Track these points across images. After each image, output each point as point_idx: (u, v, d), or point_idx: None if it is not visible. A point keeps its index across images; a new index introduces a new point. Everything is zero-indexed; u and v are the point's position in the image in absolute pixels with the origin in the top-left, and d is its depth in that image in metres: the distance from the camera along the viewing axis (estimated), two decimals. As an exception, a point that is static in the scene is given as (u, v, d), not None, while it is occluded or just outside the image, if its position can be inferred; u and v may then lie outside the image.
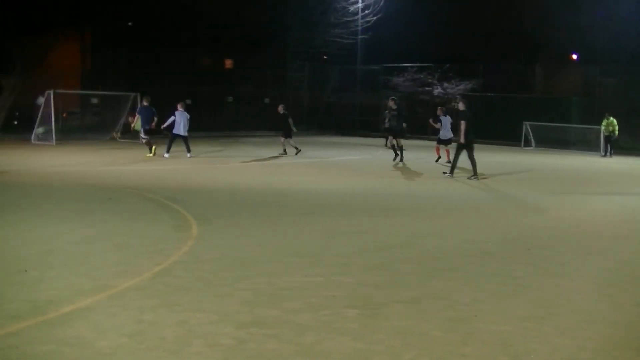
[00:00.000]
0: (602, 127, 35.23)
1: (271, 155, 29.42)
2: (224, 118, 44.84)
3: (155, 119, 27.33)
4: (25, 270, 9.43)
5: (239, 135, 41.88)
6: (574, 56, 54.91)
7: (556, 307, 8.49)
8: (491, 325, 7.70)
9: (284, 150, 30.55)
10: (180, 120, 27.07)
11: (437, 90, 47.86)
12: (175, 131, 27.10)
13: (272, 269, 9.95)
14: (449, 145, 27.28)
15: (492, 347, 7.04)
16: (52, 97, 32.67)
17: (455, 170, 22.35)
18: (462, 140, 21.62)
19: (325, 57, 52.56)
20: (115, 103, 37.49)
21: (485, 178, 21.92)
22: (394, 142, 27.67)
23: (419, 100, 46.82)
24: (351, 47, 49.27)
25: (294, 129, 30.71)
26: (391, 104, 28.03)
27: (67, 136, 34.36)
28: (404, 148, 27.76)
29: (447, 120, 27.46)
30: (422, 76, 48.94)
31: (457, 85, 47.46)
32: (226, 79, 48.12)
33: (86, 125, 39.36)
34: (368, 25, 48.52)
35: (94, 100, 40.22)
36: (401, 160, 27.37)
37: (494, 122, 39.42)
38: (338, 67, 51.43)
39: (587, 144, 37.66)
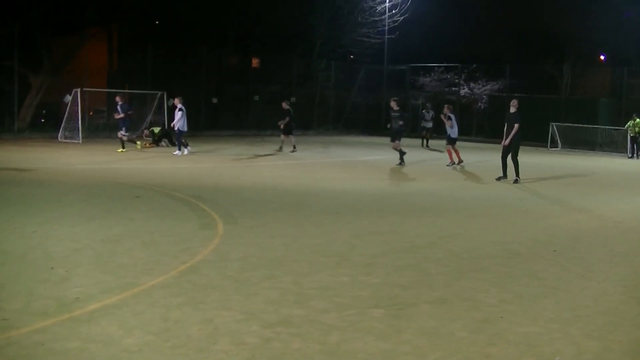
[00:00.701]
0: (628, 129, 35.01)
1: (295, 155, 29.45)
2: (250, 117, 44.94)
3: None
4: (52, 268, 9.49)
5: (265, 135, 41.90)
6: (602, 57, 54.58)
7: (583, 309, 8.44)
8: (517, 327, 7.67)
9: (293, 147, 31.05)
10: (183, 116, 27.35)
11: (464, 91, 47.79)
12: (181, 128, 27.28)
13: (299, 268, 9.96)
14: (456, 145, 26.90)
15: (517, 348, 7.01)
16: (79, 95, 32.82)
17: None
18: (506, 142, 21.07)
19: (351, 56, 52.49)
20: (141, 102, 37.66)
21: (506, 180, 21.71)
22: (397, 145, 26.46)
23: (446, 101, 46.72)
24: (378, 46, 49.14)
25: (280, 125, 31.03)
26: (392, 104, 26.69)
27: (93, 134, 34.57)
28: (403, 151, 26.55)
29: (454, 119, 26.88)
30: (448, 76, 48.93)
31: (483, 86, 47.38)
32: (253, 78, 48.15)
33: (112, 123, 39.51)
34: (395, 25, 48.40)
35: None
36: (400, 162, 26.38)
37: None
38: (365, 67, 51.32)
39: (614, 145, 37.47)
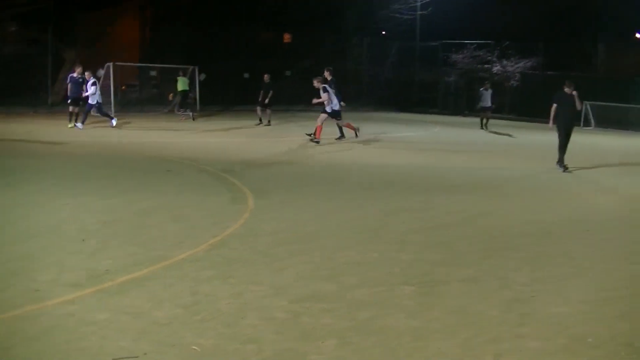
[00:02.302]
0: None
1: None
2: (282, 92, 44.82)
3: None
4: (83, 240, 9.53)
5: (297, 110, 41.78)
6: (638, 35, 53.93)
7: (616, 290, 8.33)
8: (549, 307, 7.59)
9: (260, 120, 31.30)
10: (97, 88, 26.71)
11: (496, 68, 47.40)
12: (92, 101, 26.49)
13: (330, 243, 9.93)
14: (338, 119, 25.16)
15: (549, 329, 6.93)
16: (111, 69, 32.93)
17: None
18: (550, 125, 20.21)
19: (384, 32, 52.19)
20: (173, 76, 37.72)
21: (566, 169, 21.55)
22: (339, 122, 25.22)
23: (478, 78, 46.36)
24: (410, 22, 48.85)
25: (266, 101, 31.08)
26: (326, 74, 25.19)
27: (125, 109, 34.69)
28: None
29: (329, 90, 24.62)
30: (481, 53, 48.49)
31: (516, 63, 46.96)
32: (285, 53, 48.02)
33: (144, 97, 39.65)
34: (427, 1, 48.04)
35: (153, 73, 40.48)
36: (340, 136, 25.47)
37: (554, 101, 38.81)
38: (397, 43, 51.01)
39: (648, 125, 37.14)
